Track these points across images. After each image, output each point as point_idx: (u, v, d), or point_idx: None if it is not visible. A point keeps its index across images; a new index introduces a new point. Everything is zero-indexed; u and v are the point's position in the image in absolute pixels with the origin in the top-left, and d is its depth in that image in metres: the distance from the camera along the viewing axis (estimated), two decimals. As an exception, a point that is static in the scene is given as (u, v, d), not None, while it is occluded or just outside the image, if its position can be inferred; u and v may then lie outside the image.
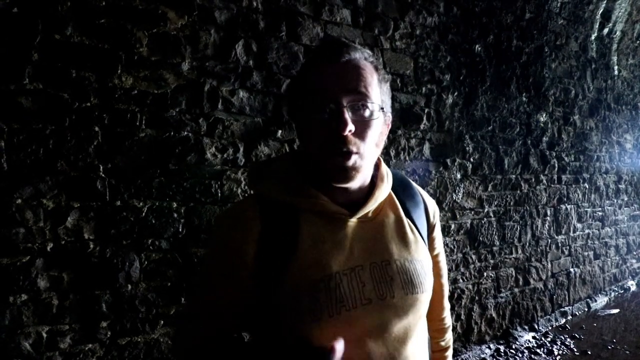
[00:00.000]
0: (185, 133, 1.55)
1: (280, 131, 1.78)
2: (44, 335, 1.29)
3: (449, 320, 0.81)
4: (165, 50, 1.49)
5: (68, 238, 1.33)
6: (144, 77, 1.45)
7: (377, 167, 0.68)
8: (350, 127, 0.56)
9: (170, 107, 1.51)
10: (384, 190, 0.66)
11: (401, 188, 0.71)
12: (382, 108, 0.61)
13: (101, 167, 1.38)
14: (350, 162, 0.57)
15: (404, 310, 0.61)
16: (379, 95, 0.60)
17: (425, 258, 0.67)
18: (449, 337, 0.81)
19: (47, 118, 1.29)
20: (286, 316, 0.57)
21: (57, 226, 1.31)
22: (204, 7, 1.58)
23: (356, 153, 0.57)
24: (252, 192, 0.67)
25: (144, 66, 1.45)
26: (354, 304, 0.58)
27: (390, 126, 0.67)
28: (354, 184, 0.61)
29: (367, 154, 0.59)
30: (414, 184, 0.75)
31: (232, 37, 1.65)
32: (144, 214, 1.46)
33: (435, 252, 0.75)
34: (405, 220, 0.67)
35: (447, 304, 0.80)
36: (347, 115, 0.56)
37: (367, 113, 0.58)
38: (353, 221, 0.62)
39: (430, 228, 0.73)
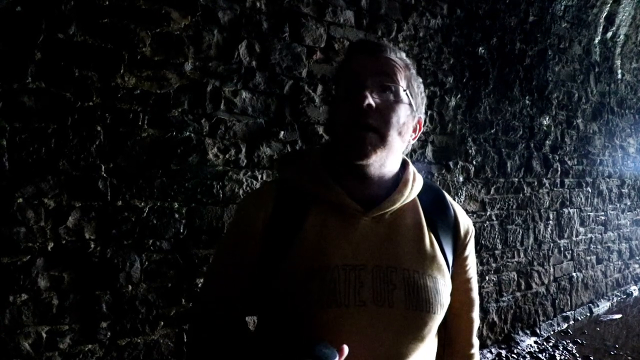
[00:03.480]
0: (188, 133, 1.54)
1: (282, 132, 1.78)
2: (44, 335, 1.28)
3: (477, 358, 0.72)
4: (169, 50, 1.49)
5: (69, 238, 1.32)
6: (147, 77, 1.45)
7: (403, 169, 0.67)
8: (369, 100, 0.56)
9: (173, 107, 1.51)
10: (406, 194, 0.63)
11: (431, 199, 0.67)
12: (409, 97, 0.62)
13: (103, 167, 1.37)
14: (368, 137, 0.57)
15: (402, 326, 0.56)
16: (406, 84, 0.62)
17: (441, 277, 0.61)
18: None
19: (49, 117, 1.28)
20: (282, 299, 0.57)
21: (58, 226, 1.30)
22: (207, 8, 1.57)
23: (375, 129, 0.57)
24: (277, 176, 0.70)
25: (146, 66, 1.45)
26: (347, 302, 0.55)
27: (421, 129, 0.67)
28: (371, 166, 0.60)
29: (387, 136, 0.58)
30: (449, 198, 0.70)
31: (235, 38, 1.65)
32: (145, 214, 1.45)
33: (465, 277, 0.68)
34: (426, 232, 0.63)
35: (476, 342, 0.72)
36: (367, 91, 0.57)
37: (391, 95, 0.59)
38: (366, 219, 0.60)
39: (460, 247, 0.66)
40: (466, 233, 0.68)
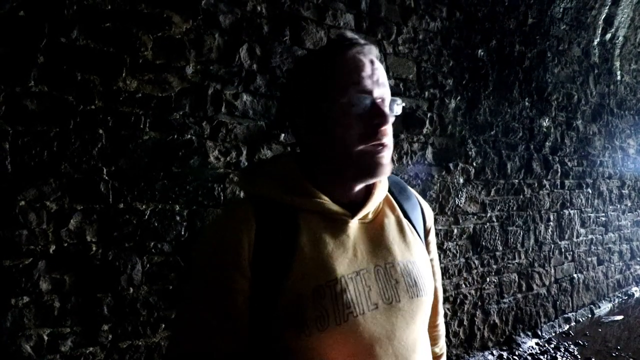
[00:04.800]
0: (189, 136, 1.55)
1: (283, 135, 1.79)
2: (45, 338, 1.28)
3: (442, 326, 0.79)
4: (170, 53, 1.50)
5: (71, 240, 1.33)
6: (149, 80, 1.46)
7: None
8: (389, 118, 0.57)
9: (174, 110, 1.52)
10: (382, 190, 0.65)
11: (397, 189, 0.70)
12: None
13: (105, 170, 1.38)
14: (387, 156, 0.58)
15: (410, 315, 0.59)
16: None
17: (426, 260, 0.66)
18: (443, 343, 0.79)
19: (51, 120, 1.29)
20: (288, 327, 0.53)
21: (60, 228, 1.31)
22: (208, 12, 1.59)
23: (388, 147, 0.59)
24: (244, 194, 0.64)
25: (148, 69, 1.46)
26: (362, 310, 0.55)
27: None
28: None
29: (392, 149, 0.60)
30: (407, 186, 0.74)
31: (236, 41, 1.66)
32: (146, 216, 1.46)
33: (431, 257, 0.73)
34: (404, 221, 0.66)
35: (441, 309, 0.78)
36: (383, 106, 0.57)
37: (388, 109, 0.59)
38: (354, 222, 0.60)
39: (426, 231, 0.72)
40: (430, 217, 0.73)
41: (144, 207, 1.45)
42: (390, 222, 0.64)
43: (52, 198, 1.30)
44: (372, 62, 0.58)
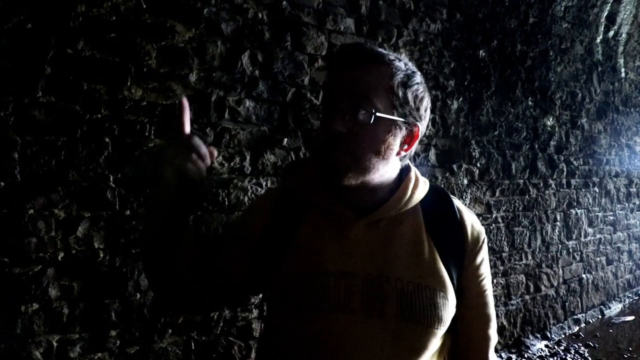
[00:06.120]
0: (193, 142, 1.57)
1: (286, 139, 1.80)
2: (55, 344, 1.30)
3: None
4: (174, 62, 1.52)
5: (79, 247, 1.35)
6: (153, 88, 1.48)
7: (406, 173, 0.65)
8: (338, 126, 0.56)
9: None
10: (404, 201, 0.61)
11: (435, 204, 0.63)
12: (390, 114, 0.58)
13: (111, 177, 1.40)
14: (338, 162, 0.57)
15: (393, 338, 0.54)
16: (386, 100, 0.57)
17: (441, 289, 0.57)
18: None
19: (59, 130, 1.32)
20: (279, 299, 0.59)
21: (68, 236, 1.33)
22: (210, 20, 1.61)
23: (346, 153, 0.56)
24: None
25: (152, 78, 1.48)
26: (335, 308, 0.55)
27: (418, 136, 0.62)
28: (351, 185, 0.58)
29: (362, 159, 0.57)
30: (458, 204, 0.65)
31: (238, 48, 1.68)
32: (152, 222, 1.47)
33: (477, 291, 0.62)
34: (425, 240, 0.60)
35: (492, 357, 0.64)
36: (337, 115, 0.57)
37: (363, 116, 0.56)
38: (360, 226, 0.59)
39: (467, 257, 0.61)
40: (475, 241, 0.62)
41: (149, 213, 1.47)
42: (404, 236, 0.59)
43: (60, 206, 1.32)
44: (354, 71, 0.57)
